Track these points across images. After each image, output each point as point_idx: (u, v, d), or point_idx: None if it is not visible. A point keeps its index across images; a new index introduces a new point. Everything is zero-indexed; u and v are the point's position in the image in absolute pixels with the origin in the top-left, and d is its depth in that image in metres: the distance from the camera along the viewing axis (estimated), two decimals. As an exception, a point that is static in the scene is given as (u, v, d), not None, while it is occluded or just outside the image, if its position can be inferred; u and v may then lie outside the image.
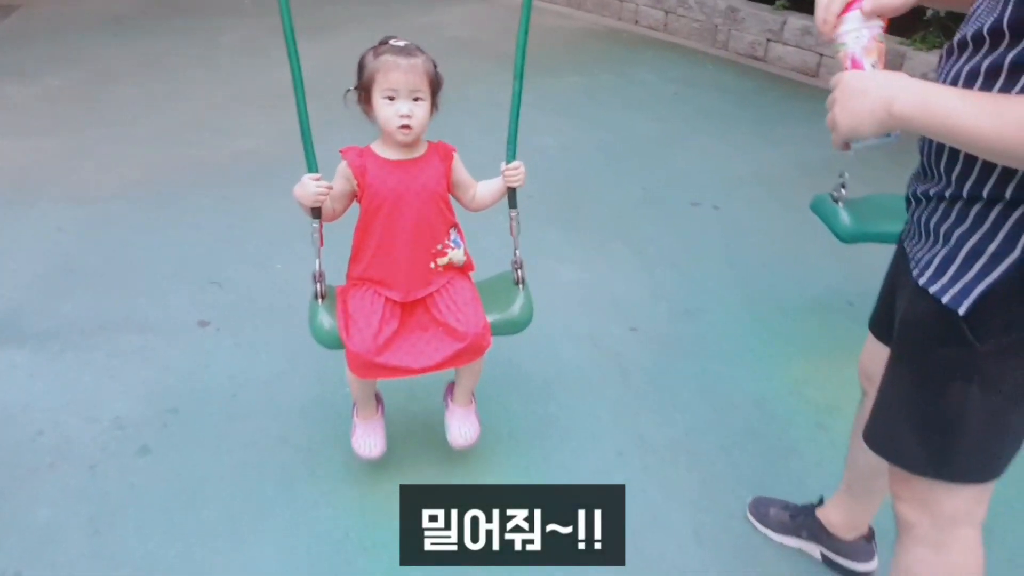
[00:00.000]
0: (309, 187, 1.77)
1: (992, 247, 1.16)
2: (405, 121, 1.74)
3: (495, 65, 5.25)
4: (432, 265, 1.90)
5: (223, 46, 5.81)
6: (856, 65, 1.25)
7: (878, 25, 1.27)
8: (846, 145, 1.26)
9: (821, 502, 1.98)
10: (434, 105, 1.81)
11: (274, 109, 4.61)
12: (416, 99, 1.74)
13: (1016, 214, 1.14)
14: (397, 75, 1.71)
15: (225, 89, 4.97)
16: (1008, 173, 1.13)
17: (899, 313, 1.35)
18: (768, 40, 5.77)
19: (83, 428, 2.26)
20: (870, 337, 1.65)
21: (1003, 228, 1.15)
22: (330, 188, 1.80)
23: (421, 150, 1.85)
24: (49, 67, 5.19)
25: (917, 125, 1.13)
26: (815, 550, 1.98)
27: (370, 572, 1.87)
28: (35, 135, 4.20)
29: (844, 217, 2.58)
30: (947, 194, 1.23)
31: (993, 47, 1.12)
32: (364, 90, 1.77)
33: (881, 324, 1.57)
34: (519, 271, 2.02)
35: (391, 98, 1.73)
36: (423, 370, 1.83)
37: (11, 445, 2.19)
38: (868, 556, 1.91)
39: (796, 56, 5.62)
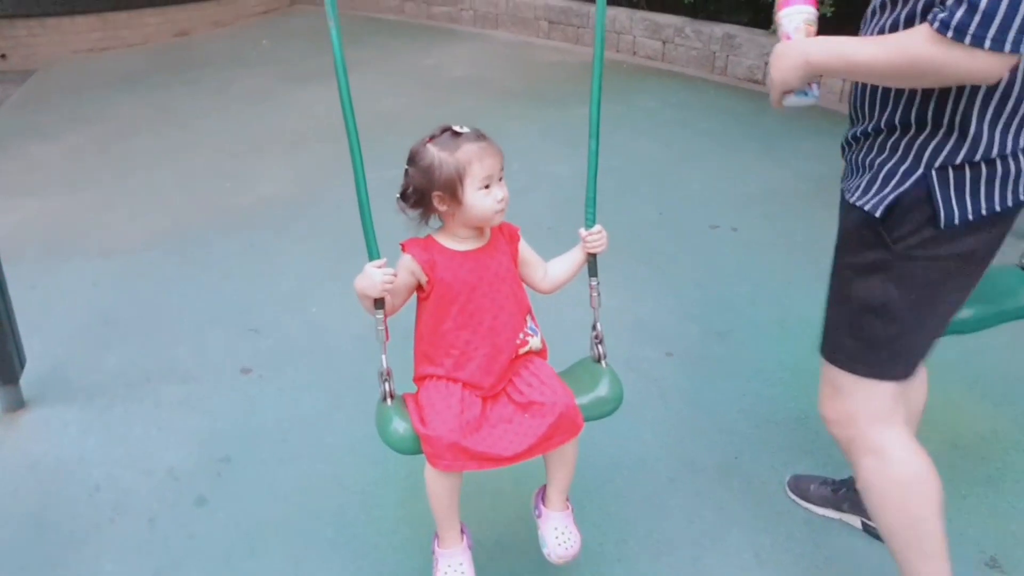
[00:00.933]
0: (374, 276, 1.59)
1: (903, 167, 1.47)
2: (502, 206, 1.63)
3: (499, 102, 5.33)
4: (513, 356, 1.73)
5: (233, 96, 5.91)
6: (787, 40, 1.56)
7: (811, 11, 1.58)
8: (779, 103, 1.58)
9: None
10: None
11: (287, 154, 4.70)
12: (501, 179, 1.64)
13: (920, 138, 1.44)
14: (492, 161, 1.60)
15: (239, 136, 5.05)
16: (910, 101, 1.44)
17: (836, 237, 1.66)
18: (766, 63, 5.86)
19: (139, 481, 2.28)
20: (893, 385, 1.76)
21: (911, 151, 1.46)
22: (395, 275, 1.62)
23: (487, 236, 1.71)
24: (69, 126, 5.30)
25: (830, 68, 1.47)
26: (856, 520, 2.09)
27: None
28: (61, 192, 4.27)
29: None
30: (869, 129, 1.53)
31: (905, 2, 1.39)
32: (447, 189, 1.59)
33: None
34: (600, 347, 1.82)
35: (487, 186, 1.60)
36: (515, 458, 1.60)
37: (71, 501, 2.21)
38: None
39: (797, 76, 5.71)
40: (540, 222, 3.74)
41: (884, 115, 1.50)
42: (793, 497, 2.19)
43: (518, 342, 1.73)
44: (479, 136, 1.62)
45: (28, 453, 2.39)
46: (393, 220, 1.66)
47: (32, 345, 2.66)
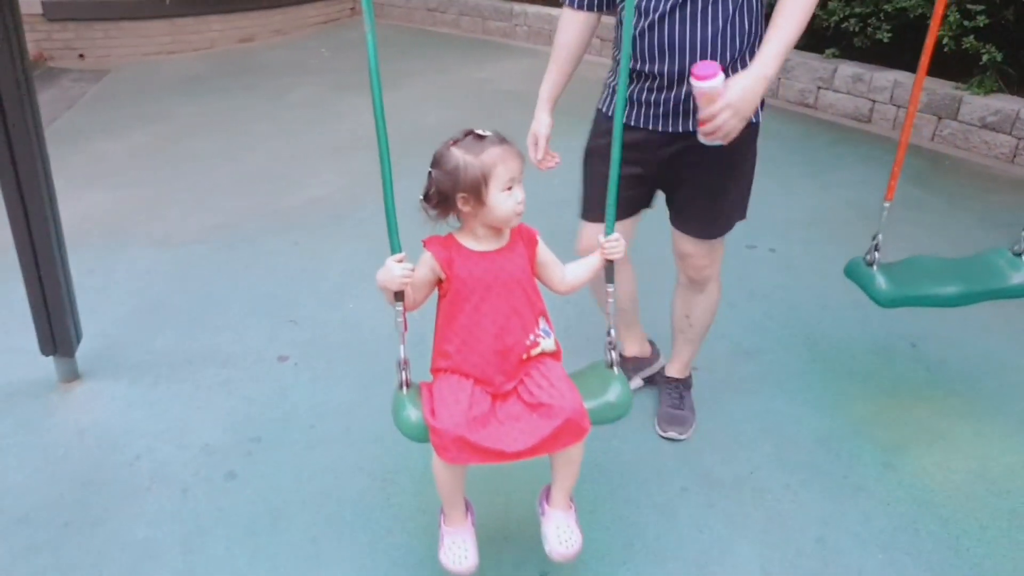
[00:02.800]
0: (394, 270, 1.67)
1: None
2: (522, 208, 1.70)
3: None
4: (524, 356, 1.77)
5: (291, 102, 6.12)
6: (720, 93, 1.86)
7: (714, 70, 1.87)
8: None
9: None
10: None
11: (339, 160, 4.85)
12: (520, 182, 1.71)
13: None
14: (515, 163, 1.66)
15: (293, 142, 5.24)
16: (747, 50, 2.01)
17: (688, 157, 2.12)
18: (819, 88, 5.85)
19: (175, 454, 2.40)
20: (590, 225, 2.35)
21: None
22: (413, 271, 1.69)
23: (506, 238, 1.76)
24: (134, 124, 5.55)
25: (779, 67, 1.91)
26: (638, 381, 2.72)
27: (447, 595, 1.94)
28: (124, 186, 4.49)
29: (880, 281, 2.45)
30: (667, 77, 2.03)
31: None
32: (472, 191, 1.65)
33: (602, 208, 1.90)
34: (613, 352, 1.87)
35: (510, 188, 1.67)
36: (518, 454, 1.65)
37: (114, 467, 2.35)
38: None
39: (848, 102, 5.69)
40: (567, 230, 3.80)
41: (679, 66, 2.00)
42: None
43: (529, 343, 1.77)
44: (502, 140, 1.68)
45: (78, 421, 2.54)
46: (421, 220, 1.75)
47: (88, 324, 2.81)
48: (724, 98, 1.84)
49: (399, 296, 1.71)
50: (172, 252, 3.69)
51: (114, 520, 2.16)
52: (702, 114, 1.90)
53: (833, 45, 5.83)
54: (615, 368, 1.86)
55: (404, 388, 1.79)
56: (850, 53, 5.77)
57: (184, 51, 7.69)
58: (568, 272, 1.88)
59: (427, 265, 1.73)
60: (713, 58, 1.95)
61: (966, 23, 4.93)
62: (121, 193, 4.38)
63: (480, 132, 1.69)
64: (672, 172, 2.20)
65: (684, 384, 2.63)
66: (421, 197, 1.73)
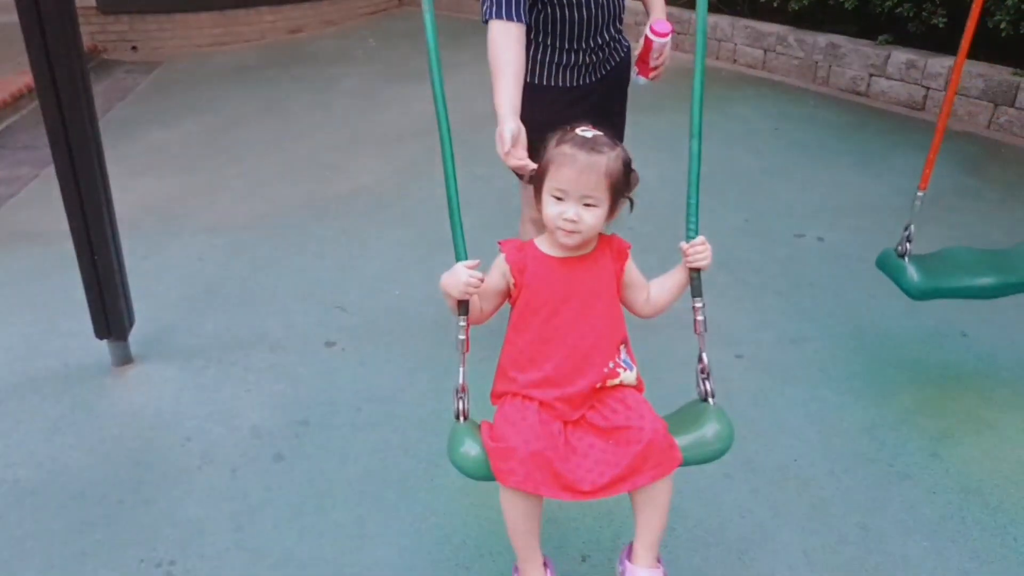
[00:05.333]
0: (461, 275, 1.49)
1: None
2: (570, 227, 1.49)
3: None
4: (598, 385, 1.57)
5: (338, 92, 6.20)
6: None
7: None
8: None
9: None
10: (613, 211, 1.56)
11: (384, 148, 4.90)
12: (587, 204, 1.50)
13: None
14: (570, 173, 1.47)
15: (341, 131, 5.31)
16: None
17: (610, 86, 2.48)
18: (871, 75, 5.71)
19: (225, 435, 2.47)
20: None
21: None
22: (483, 280, 1.53)
23: (591, 246, 1.60)
24: (187, 114, 5.69)
25: None
26: None
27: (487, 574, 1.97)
28: (176, 174, 4.61)
29: (912, 273, 2.39)
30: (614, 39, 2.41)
31: None
32: (537, 179, 1.54)
33: None
34: (707, 383, 1.62)
35: (559, 198, 1.50)
36: (594, 492, 1.44)
37: (165, 448, 2.43)
38: None
39: (901, 90, 5.54)
40: (619, 223, 3.78)
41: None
42: None
43: (606, 371, 1.57)
44: (585, 144, 1.50)
45: (132, 402, 2.63)
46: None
47: (141, 309, 2.90)
48: (668, 47, 2.37)
49: (463, 308, 1.53)
50: (223, 239, 3.78)
51: (165, 498, 2.24)
52: (655, 61, 2.38)
53: (886, 31, 5.69)
54: (711, 400, 1.63)
55: (462, 419, 1.58)
56: (904, 39, 5.62)
57: (235, 43, 7.84)
58: (652, 291, 1.66)
59: (499, 269, 1.57)
60: (619, 17, 2.41)
61: (1025, 6, 4.76)
62: (173, 181, 4.50)
63: (582, 131, 1.54)
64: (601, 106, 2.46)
65: None
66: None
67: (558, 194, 1.50)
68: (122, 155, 4.72)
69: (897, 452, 2.37)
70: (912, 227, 2.39)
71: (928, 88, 5.38)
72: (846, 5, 5.78)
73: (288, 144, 5.07)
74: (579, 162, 1.48)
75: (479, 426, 1.59)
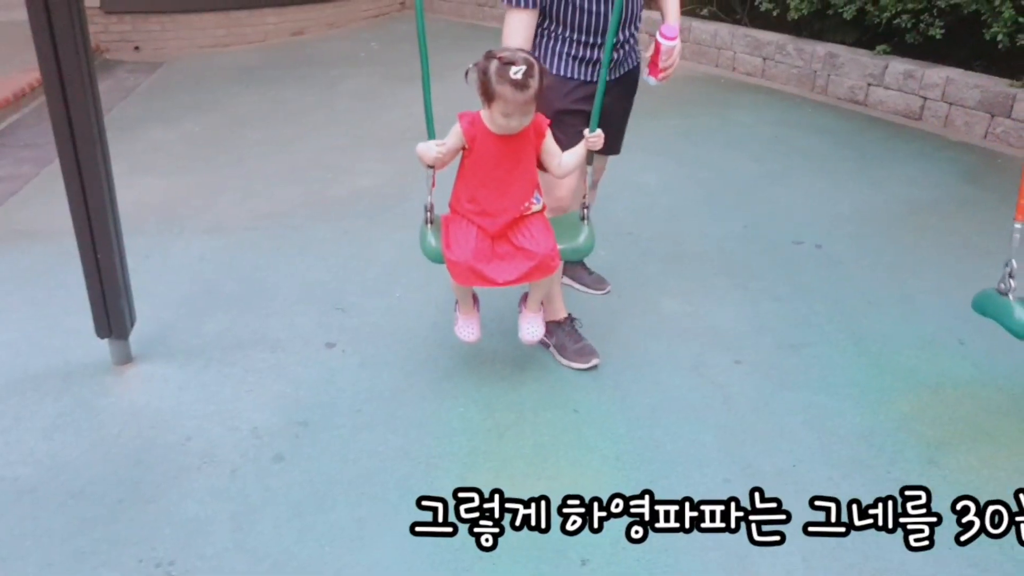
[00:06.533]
0: (432, 149, 2.32)
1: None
2: (516, 131, 2.28)
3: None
4: (518, 216, 2.40)
5: (341, 93, 6.21)
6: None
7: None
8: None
9: None
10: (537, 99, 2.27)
11: (386, 150, 4.91)
12: (526, 113, 2.25)
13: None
14: (514, 106, 2.21)
15: (343, 132, 5.32)
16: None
17: (622, 90, 2.76)
18: (869, 84, 5.74)
19: (225, 435, 2.47)
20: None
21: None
22: (446, 149, 2.32)
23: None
24: (189, 114, 5.69)
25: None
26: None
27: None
28: (178, 173, 4.61)
29: (1020, 312, 2.20)
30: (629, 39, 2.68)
31: None
32: (484, 96, 2.23)
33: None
34: (586, 210, 2.53)
35: (507, 115, 2.22)
36: (505, 283, 2.35)
37: (165, 447, 2.43)
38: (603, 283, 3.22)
39: (899, 99, 5.57)
40: (620, 228, 3.81)
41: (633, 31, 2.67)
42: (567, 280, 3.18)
43: (524, 208, 2.41)
44: (519, 86, 2.17)
45: (132, 402, 2.63)
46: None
47: (143, 308, 2.90)
48: (678, 51, 2.63)
49: (431, 164, 2.36)
50: (224, 239, 3.78)
51: (165, 498, 2.24)
52: (664, 63, 2.64)
53: (884, 41, 5.72)
54: (585, 221, 2.54)
55: (429, 224, 2.45)
56: (901, 49, 5.65)
57: (238, 44, 7.84)
58: (563, 159, 2.44)
59: (456, 135, 2.33)
60: (637, 19, 2.65)
61: (1020, 19, 4.80)
62: (175, 180, 4.50)
63: (514, 72, 2.16)
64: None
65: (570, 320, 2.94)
66: (467, 70, 2.28)
67: (507, 113, 2.23)
68: (124, 154, 4.69)
69: (895, 459, 2.38)
70: (1014, 263, 2.21)
71: (925, 98, 5.41)
72: (845, 15, 5.81)
73: (290, 145, 5.08)
74: (519, 99, 2.20)
75: (439, 227, 2.45)
